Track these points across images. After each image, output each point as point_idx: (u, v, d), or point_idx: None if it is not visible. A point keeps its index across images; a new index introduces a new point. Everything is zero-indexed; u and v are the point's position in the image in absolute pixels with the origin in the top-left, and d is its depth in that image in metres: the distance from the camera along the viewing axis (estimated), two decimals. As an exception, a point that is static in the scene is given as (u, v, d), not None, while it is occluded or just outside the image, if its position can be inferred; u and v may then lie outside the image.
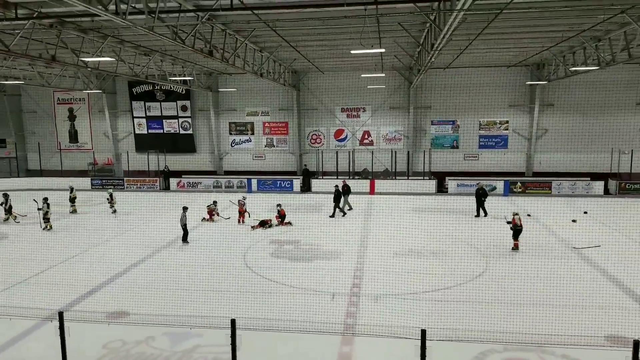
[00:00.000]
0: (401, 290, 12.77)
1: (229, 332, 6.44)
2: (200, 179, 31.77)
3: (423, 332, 6.12)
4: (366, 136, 31.75)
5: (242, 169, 32.55)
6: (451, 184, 29.19)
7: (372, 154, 30.65)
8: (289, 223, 21.30)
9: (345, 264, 15.28)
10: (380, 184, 29.18)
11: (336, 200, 22.54)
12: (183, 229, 17.97)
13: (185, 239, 17.97)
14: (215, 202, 22.26)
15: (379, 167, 30.94)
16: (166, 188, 30.98)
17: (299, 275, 14.27)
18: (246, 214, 21.44)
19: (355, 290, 13.00)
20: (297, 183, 30.49)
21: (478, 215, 21.95)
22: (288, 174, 31.98)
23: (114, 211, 23.61)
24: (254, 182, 30.77)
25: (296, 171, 32.42)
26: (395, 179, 29.72)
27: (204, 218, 21.73)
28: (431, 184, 28.96)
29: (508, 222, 16.96)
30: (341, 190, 22.98)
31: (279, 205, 21.61)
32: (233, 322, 6.37)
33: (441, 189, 29.50)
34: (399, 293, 12.58)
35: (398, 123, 31.14)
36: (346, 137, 31.95)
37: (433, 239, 18.18)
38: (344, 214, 22.69)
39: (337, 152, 30.83)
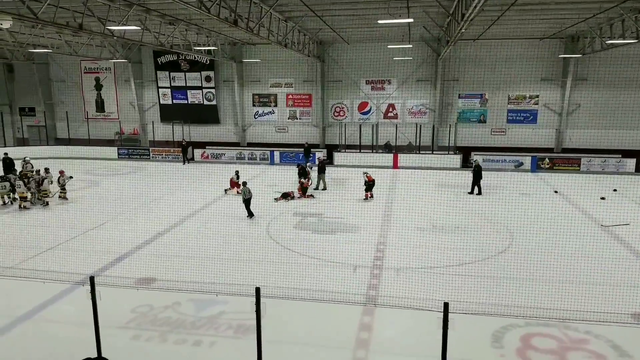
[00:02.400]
0: (423, 264, 12.82)
1: (253, 299, 6.57)
2: (224, 150, 31.99)
3: (446, 305, 6.16)
4: (391, 109, 31.38)
5: (265, 141, 32.66)
6: (477, 159, 28.67)
7: (396, 127, 30.37)
8: (312, 196, 21.47)
9: (368, 237, 15.37)
10: (404, 158, 29.01)
11: (320, 172, 22.50)
12: (245, 204, 17.60)
13: (250, 215, 17.60)
14: (237, 172, 22.44)
15: (403, 141, 30.67)
16: (184, 162, 30.83)
17: (321, 247, 14.44)
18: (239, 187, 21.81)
19: (377, 263, 13.10)
20: (320, 155, 30.43)
21: (472, 192, 21.50)
22: (312, 146, 31.95)
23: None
24: (277, 154, 30.87)
25: (319, 144, 32.41)
26: (420, 153, 29.43)
27: (226, 190, 21.95)
28: (456, 159, 28.63)
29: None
30: (318, 166, 22.73)
31: (305, 171, 21.65)
32: (258, 290, 6.52)
33: (466, 164, 29.11)
34: (421, 267, 12.63)
35: (424, 96, 30.67)
36: (370, 110, 31.66)
37: (457, 214, 18.09)
38: (316, 188, 22.41)
39: (360, 126, 30.64)
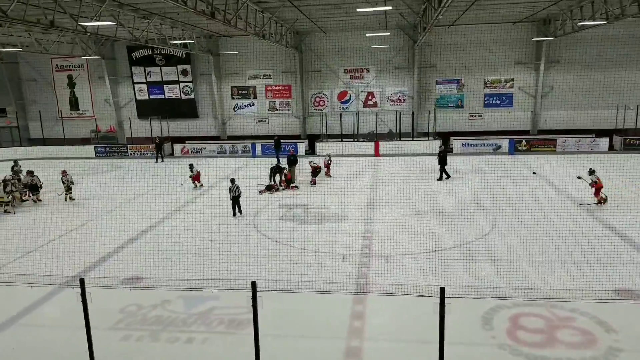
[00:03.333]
0: (410, 250, 12.91)
1: (246, 293, 6.54)
2: (204, 145, 31.68)
3: (442, 290, 6.22)
4: (370, 98, 31.42)
5: (246, 134, 32.40)
6: (456, 143, 29.05)
7: (377, 115, 30.41)
8: (296, 187, 21.41)
9: (354, 225, 15.40)
10: (385, 146, 29.09)
11: (291, 165, 22.22)
12: (233, 201, 17.09)
13: (236, 210, 17.06)
14: (191, 166, 22.07)
15: (384, 129, 30.77)
16: (156, 159, 29.69)
17: (309, 237, 14.43)
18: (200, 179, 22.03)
19: (366, 251, 13.15)
20: (302, 146, 30.42)
21: (440, 178, 21.66)
22: (292, 138, 31.86)
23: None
24: (258, 146, 30.69)
25: (300, 134, 32.28)
26: (400, 140, 29.61)
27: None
28: (436, 145, 28.82)
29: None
30: (288, 160, 22.53)
31: (284, 169, 21.64)
32: (254, 284, 6.51)
33: (446, 149, 29.41)
34: (408, 253, 12.72)
35: (402, 83, 30.74)
36: (350, 99, 31.63)
37: (440, 199, 18.24)
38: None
39: (341, 115, 30.58)
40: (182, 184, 21.72)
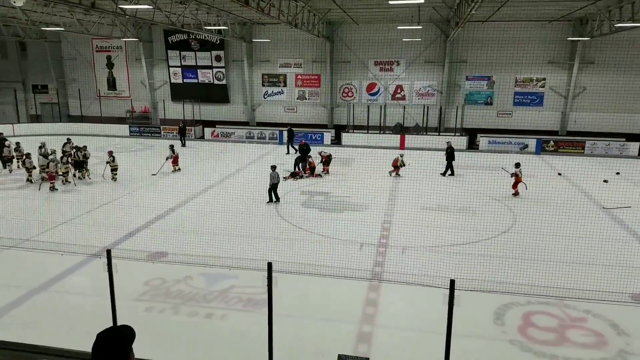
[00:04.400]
0: (428, 242, 12.93)
1: (264, 274, 6.70)
2: (234, 129, 32.02)
3: (452, 282, 6.24)
4: (399, 90, 31.16)
5: (274, 121, 32.63)
6: (483, 140, 28.64)
7: (404, 108, 30.20)
8: (319, 175, 21.58)
9: (374, 216, 15.48)
10: (411, 139, 28.92)
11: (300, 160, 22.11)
12: (271, 189, 17.07)
13: (271, 199, 17.00)
14: (172, 147, 21.95)
15: (410, 122, 30.55)
16: (183, 144, 29.46)
17: (328, 224, 14.61)
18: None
19: (383, 241, 13.24)
20: (328, 135, 30.48)
21: (444, 174, 21.47)
22: (319, 127, 31.92)
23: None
24: (285, 133, 30.78)
25: (327, 124, 32.32)
26: (427, 134, 29.36)
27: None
28: (462, 141, 28.53)
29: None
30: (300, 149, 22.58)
31: (309, 157, 21.79)
32: (270, 265, 6.62)
33: (472, 146, 29.00)
34: (426, 245, 12.75)
35: (432, 78, 30.39)
36: (378, 91, 31.44)
37: (462, 194, 18.14)
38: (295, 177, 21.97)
39: (368, 106, 30.47)
40: (156, 173, 21.21)
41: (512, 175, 18.17)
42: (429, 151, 26.84)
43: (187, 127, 31.01)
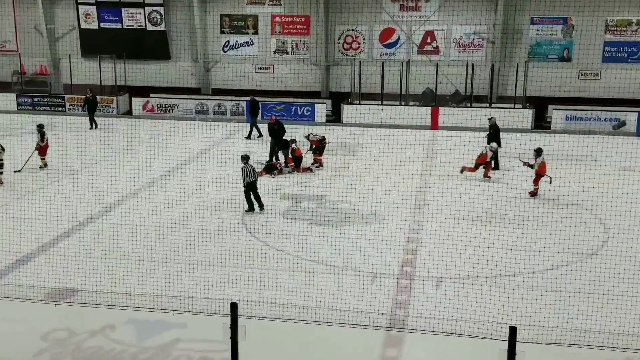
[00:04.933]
0: (473, 271, 12.84)
1: (225, 320, 6.69)
2: (177, 100, 31.82)
3: (513, 330, 6.31)
4: (429, 40, 31.08)
5: (239, 87, 32.29)
6: (556, 115, 28.61)
7: (437, 67, 30.05)
8: (309, 169, 21.47)
9: (392, 231, 15.30)
10: (448, 114, 28.72)
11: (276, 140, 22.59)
12: (248, 191, 17.23)
13: (252, 206, 17.29)
14: (40, 127, 21.85)
15: (446, 88, 30.49)
16: (92, 125, 29.20)
17: (323, 245, 14.45)
18: None
19: (407, 270, 13.18)
20: (321, 109, 30.38)
21: (496, 167, 21.73)
22: (308, 96, 31.76)
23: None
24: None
25: (320, 92, 32.10)
26: (471, 106, 29.24)
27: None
28: (526, 116, 28.47)
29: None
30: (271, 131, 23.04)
31: (292, 141, 21.63)
32: (234, 307, 6.70)
33: (541, 123, 28.98)
34: (470, 275, 12.68)
35: (479, 20, 30.26)
36: (398, 40, 31.31)
37: (521, 198, 18.13)
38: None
39: (383, 64, 30.29)
40: (20, 169, 21.14)
41: (526, 165, 19.07)
42: (475, 132, 26.71)
43: (97, 98, 30.59)
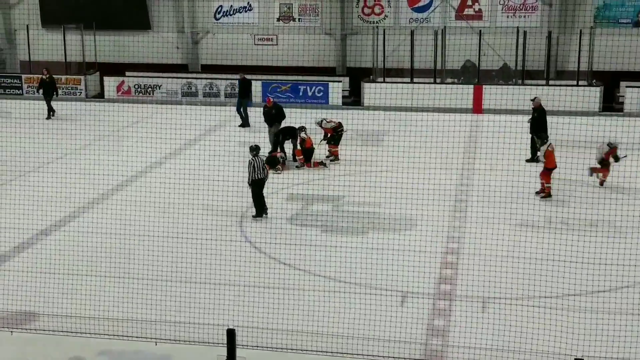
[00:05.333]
0: (524, 290, 12.72)
1: (220, 351, 6.66)
2: (159, 80, 32.01)
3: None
4: (470, 2, 31.05)
5: (235, 62, 32.30)
6: (630, 94, 28.45)
7: (480, 35, 29.92)
8: (322, 164, 21.46)
9: (426, 240, 15.09)
10: (494, 94, 28.58)
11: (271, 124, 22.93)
12: (254, 187, 17.21)
13: (261, 211, 17.39)
14: None
15: (492, 63, 30.44)
16: (49, 114, 29.13)
17: (340, 258, 14.40)
18: None
19: (445, 289, 13.16)
20: (336, 89, 30.44)
21: (533, 158, 21.96)
22: (320, 72, 31.82)
23: None
24: (257, 86, 30.63)
25: (335, 68, 32.04)
26: (524, 84, 29.22)
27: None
28: (592, 95, 28.34)
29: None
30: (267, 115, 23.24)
31: (302, 129, 21.55)
32: (231, 334, 6.71)
33: (611, 104, 28.92)
34: (524, 295, 12.59)
35: (532, -23, 30.26)
36: (431, 3, 31.31)
37: (590, 198, 17.81)
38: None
39: (412, 32, 30.23)
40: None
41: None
42: (527, 115, 26.56)
43: (55, 79, 30.40)
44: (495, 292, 12.68)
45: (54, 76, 30.44)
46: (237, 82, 30.68)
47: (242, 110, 27.39)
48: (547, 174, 18.64)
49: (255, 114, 26.49)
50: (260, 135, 23.71)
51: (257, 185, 16.93)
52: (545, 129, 21.67)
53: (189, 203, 17.53)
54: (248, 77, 30.45)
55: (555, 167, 18.62)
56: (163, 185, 18.67)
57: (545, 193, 18.63)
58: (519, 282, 12.96)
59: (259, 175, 16.83)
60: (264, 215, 17.15)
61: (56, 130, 24.42)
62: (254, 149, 17.08)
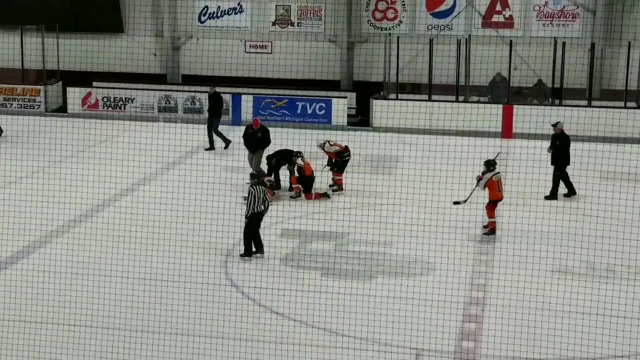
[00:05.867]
0: (562, 351, 12.59)
1: None
2: (132, 92, 32.11)
3: None
4: (499, 7, 31.24)
5: (222, 73, 32.27)
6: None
7: (511, 46, 29.99)
8: (325, 195, 21.54)
9: (445, 287, 15.05)
10: (527, 115, 28.56)
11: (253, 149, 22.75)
12: (251, 221, 17.18)
13: (250, 250, 17.35)
14: None
15: (525, 78, 30.55)
16: None
17: (344, 307, 14.33)
18: None
19: (467, 347, 13.11)
20: (341, 106, 30.52)
21: (553, 196, 22.06)
22: (322, 86, 32.02)
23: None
24: (248, 101, 30.86)
25: (339, 81, 32.19)
26: (562, 104, 29.30)
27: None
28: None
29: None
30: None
31: (298, 154, 21.58)
32: None
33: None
34: (556, 357, 12.57)
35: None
36: (454, 7, 31.53)
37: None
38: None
39: (431, 41, 30.32)
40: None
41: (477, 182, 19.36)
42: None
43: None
44: (527, 352, 12.66)
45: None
46: (228, 97, 30.81)
47: (211, 129, 27.38)
48: (492, 207, 18.84)
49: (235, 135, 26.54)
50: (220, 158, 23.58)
51: (254, 220, 16.85)
52: (568, 160, 21.89)
53: (164, 238, 17.36)
54: (236, 90, 30.61)
55: (501, 198, 18.92)
56: (134, 217, 18.61)
57: (489, 229, 18.84)
58: (555, 340, 12.85)
59: (257, 209, 16.76)
60: (260, 254, 17.01)
61: (7, 150, 24.41)
62: (255, 176, 17.16)
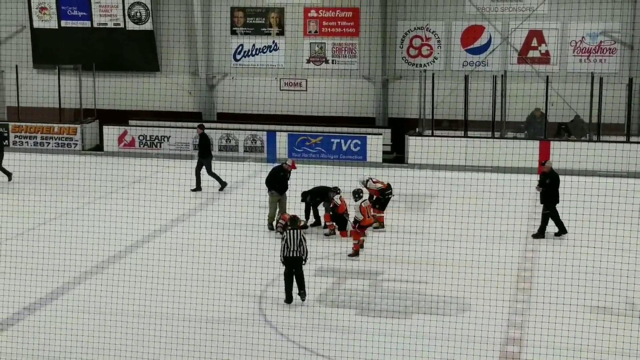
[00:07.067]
0: None
1: None
2: (169, 130, 32.25)
3: None
4: (535, 42, 31.12)
5: (257, 111, 32.45)
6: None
7: (547, 82, 29.85)
8: (360, 234, 21.05)
9: (482, 325, 14.81)
10: (564, 151, 28.36)
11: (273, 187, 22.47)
12: (290, 269, 16.74)
13: (290, 296, 16.87)
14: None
15: (562, 114, 30.38)
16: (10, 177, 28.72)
17: (378, 345, 14.23)
18: None
19: None
20: (376, 143, 30.46)
21: (540, 234, 21.83)
22: (357, 123, 32.05)
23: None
24: (283, 138, 30.89)
25: (375, 118, 32.16)
26: (599, 140, 29.11)
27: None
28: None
29: None
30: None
31: (336, 190, 21.47)
32: None
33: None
34: None
35: (610, 15, 30.23)
36: (489, 42, 31.47)
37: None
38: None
39: (466, 77, 30.30)
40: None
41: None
42: (605, 177, 26.33)
43: (3, 135, 30.49)
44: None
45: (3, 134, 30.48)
46: (263, 134, 30.83)
47: (208, 172, 26.87)
48: (359, 233, 19.83)
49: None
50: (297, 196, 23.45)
51: (289, 265, 16.47)
52: (557, 198, 21.74)
53: (195, 278, 17.32)
54: (270, 127, 30.60)
55: (371, 224, 20.24)
56: (168, 256, 18.64)
57: (353, 251, 19.69)
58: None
59: (293, 254, 16.40)
60: (302, 298, 16.58)
61: (45, 189, 24.55)
62: (294, 222, 16.98)
